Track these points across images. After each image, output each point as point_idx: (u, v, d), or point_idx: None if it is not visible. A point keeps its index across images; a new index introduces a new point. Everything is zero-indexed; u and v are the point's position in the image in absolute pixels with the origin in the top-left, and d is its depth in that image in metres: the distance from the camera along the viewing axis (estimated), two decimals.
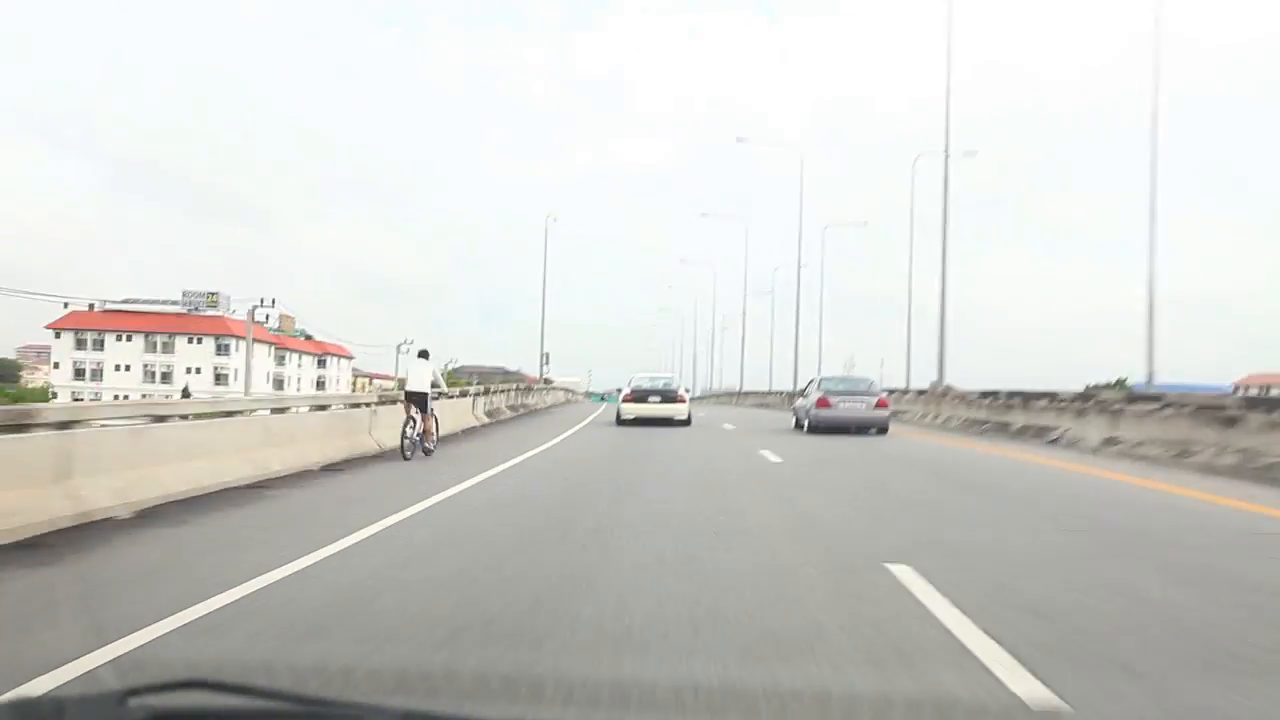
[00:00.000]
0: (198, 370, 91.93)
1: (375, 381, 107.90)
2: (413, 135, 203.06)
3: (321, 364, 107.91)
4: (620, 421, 23.82)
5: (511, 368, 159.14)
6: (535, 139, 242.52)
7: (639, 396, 24.16)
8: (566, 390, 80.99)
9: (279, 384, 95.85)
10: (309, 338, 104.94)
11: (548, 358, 47.77)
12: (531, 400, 34.31)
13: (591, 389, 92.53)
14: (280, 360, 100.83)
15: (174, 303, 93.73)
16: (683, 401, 24.22)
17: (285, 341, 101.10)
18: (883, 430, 20.93)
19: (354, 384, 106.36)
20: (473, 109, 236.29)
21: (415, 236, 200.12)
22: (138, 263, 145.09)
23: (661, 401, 23.92)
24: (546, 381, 45.74)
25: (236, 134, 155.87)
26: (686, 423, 23.59)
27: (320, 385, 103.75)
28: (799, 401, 24.47)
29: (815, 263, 69.67)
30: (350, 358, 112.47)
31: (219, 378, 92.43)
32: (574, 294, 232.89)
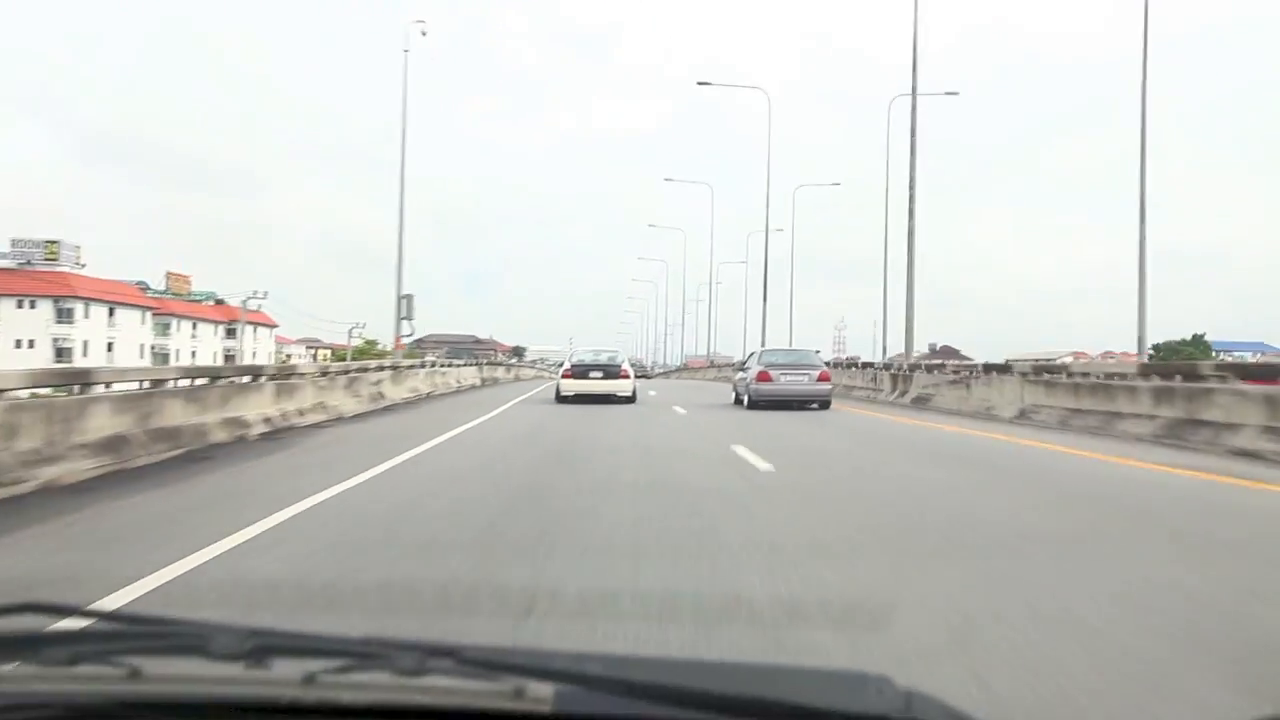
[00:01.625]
0: (30, 344, 72.61)
1: (322, 353, 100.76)
2: (390, 100, 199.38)
3: (230, 333, 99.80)
4: (560, 398, 22.38)
5: (483, 335, 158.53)
6: (518, 103, 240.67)
7: (579, 372, 22.65)
8: (535, 364, 75.92)
9: (163, 358, 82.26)
10: (219, 302, 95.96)
11: (408, 305, 26.37)
12: (439, 381, 26.57)
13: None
14: (163, 329, 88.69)
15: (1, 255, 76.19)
16: (626, 377, 22.87)
17: (169, 306, 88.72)
18: (825, 405, 20.45)
19: (279, 355, 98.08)
20: (454, 73, 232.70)
21: (394, 203, 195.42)
22: (107, 235, 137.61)
23: (604, 378, 22.47)
24: (420, 350, 38.59)
25: (209, 99, 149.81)
26: (631, 399, 22.46)
27: (229, 358, 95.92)
28: (738, 375, 23.64)
29: (800, 224, 64.93)
30: (273, 325, 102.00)
31: (61, 353, 72.20)
32: (557, 262, 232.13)
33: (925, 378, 22.46)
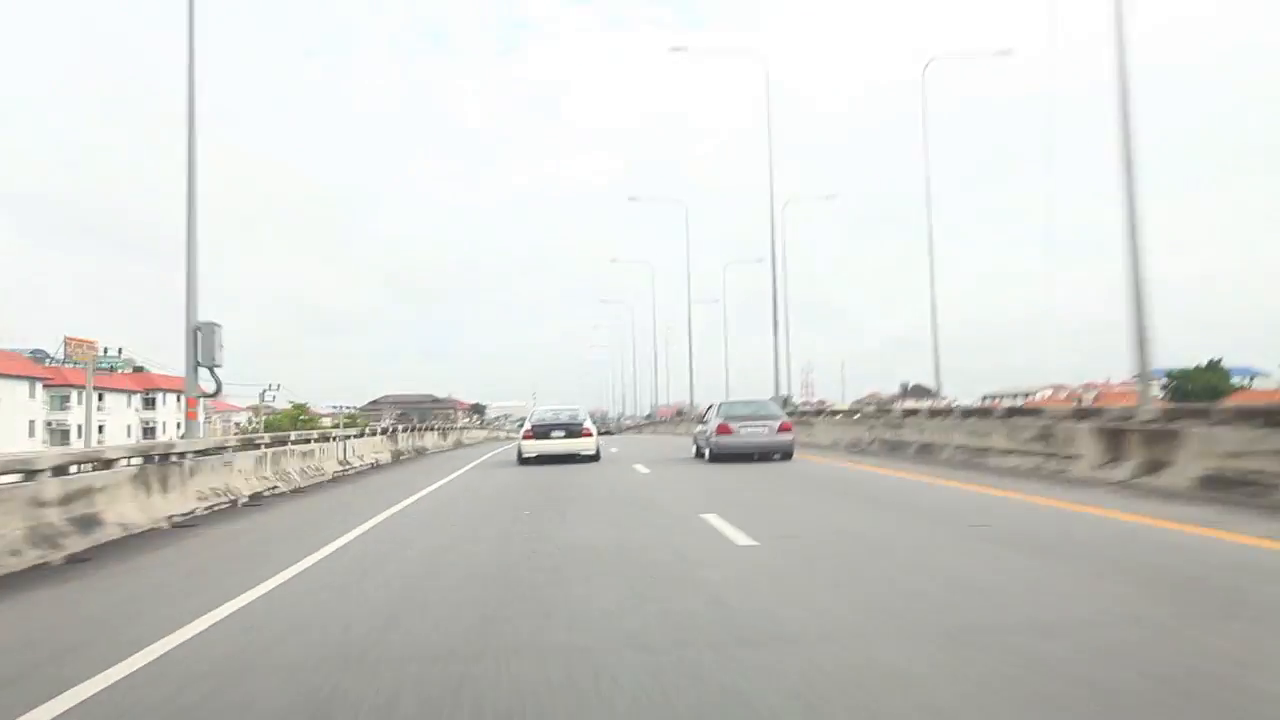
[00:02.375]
0: None
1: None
2: (345, 163, 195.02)
3: (149, 404, 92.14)
4: (522, 460, 21.46)
5: (441, 395, 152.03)
6: (470, 163, 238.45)
7: (541, 432, 21.76)
8: (494, 422, 70.23)
9: (63, 435, 75.05)
10: (139, 369, 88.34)
11: (207, 341, 14.70)
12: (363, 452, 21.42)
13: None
14: (62, 403, 79.86)
15: None
16: (589, 435, 22.02)
17: (67, 376, 77.92)
18: (786, 455, 19.82)
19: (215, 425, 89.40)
20: (405, 134, 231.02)
21: (351, 267, 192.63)
22: (57, 308, 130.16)
23: (566, 436, 21.68)
24: (373, 412, 31.84)
25: (159, 169, 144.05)
26: (595, 458, 21.81)
27: (148, 432, 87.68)
28: (699, 428, 23.08)
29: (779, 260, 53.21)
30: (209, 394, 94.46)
31: None
32: (517, 316, 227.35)
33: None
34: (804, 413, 32.45)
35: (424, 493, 14.03)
